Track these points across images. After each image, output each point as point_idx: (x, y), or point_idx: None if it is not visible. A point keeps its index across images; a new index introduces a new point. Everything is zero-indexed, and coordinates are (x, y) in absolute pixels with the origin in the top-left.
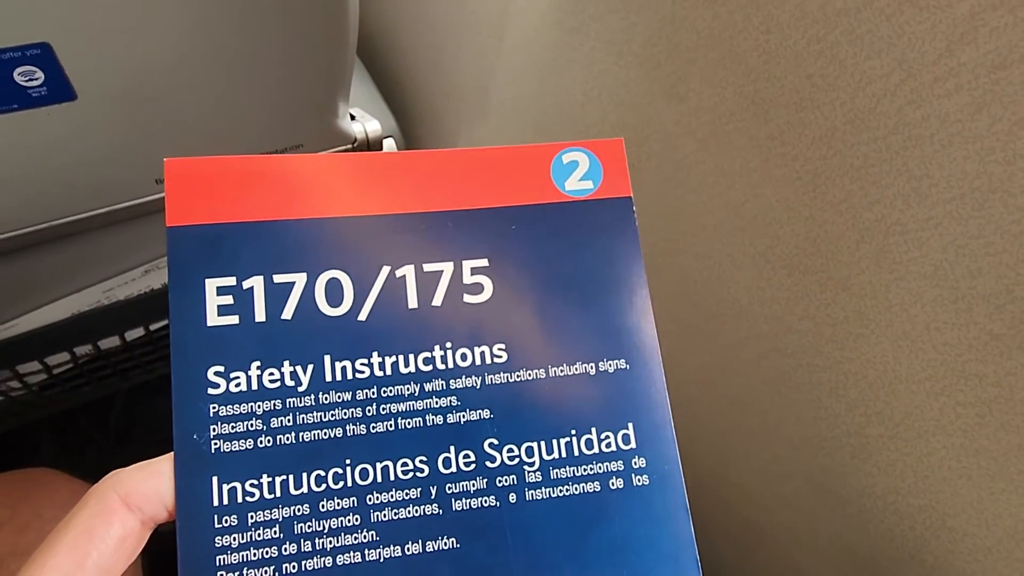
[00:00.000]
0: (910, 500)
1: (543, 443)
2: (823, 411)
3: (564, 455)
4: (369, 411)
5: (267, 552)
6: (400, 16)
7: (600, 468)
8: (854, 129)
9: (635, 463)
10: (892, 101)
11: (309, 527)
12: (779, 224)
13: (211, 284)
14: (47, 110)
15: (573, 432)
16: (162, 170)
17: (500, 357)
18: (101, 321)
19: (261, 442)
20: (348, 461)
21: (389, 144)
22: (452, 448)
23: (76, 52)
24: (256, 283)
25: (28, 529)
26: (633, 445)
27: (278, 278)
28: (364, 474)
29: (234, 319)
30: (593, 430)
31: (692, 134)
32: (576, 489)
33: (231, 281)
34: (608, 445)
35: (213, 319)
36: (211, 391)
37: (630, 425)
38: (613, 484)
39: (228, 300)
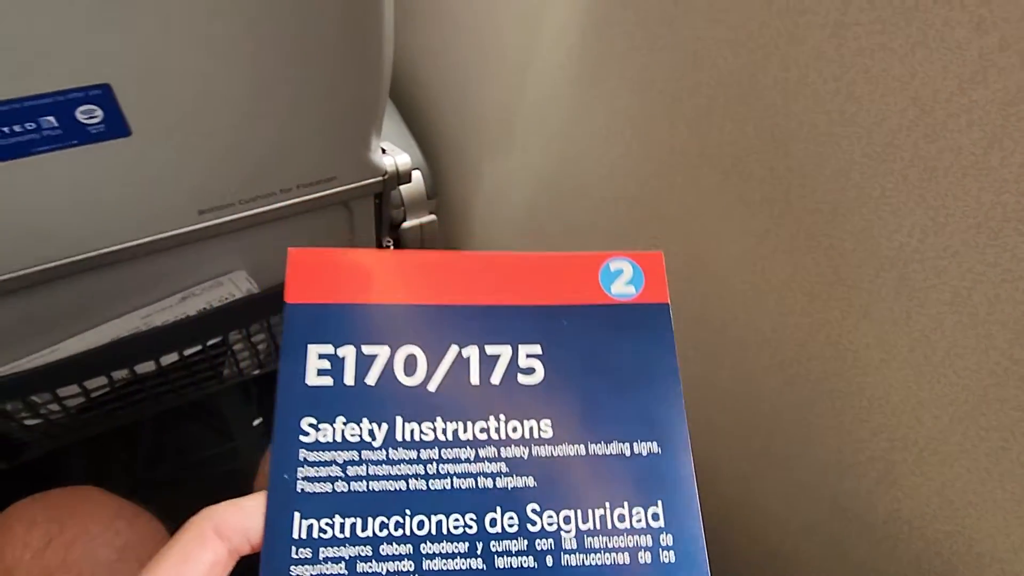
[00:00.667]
0: (937, 525)
1: (580, 512)
2: (848, 437)
3: (598, 526)
4: (430, 469)
5: None
6: (425, 51)
7: (631, 541)
8: (872, 162)
9: (663, 539)
10: (908, 136)
11: (369, 567)
12: (800, 253)
13: (313, 349)
14: (102, 145)
15: (607, 504)
16: (205, 200)
17: (546, 432)
18: (139, 347)
19: (338, 487)
20: (408, 512)
21: (416, 176)
22: (499, 509)
23: (134, 92)
24: (348, 352)
25: (76, 544)
26: (662, 524)
27: (366, 349)
28: (420, 525)
29: (328, 380)
30: (626, 504)
31: (715, 166)
32: (608, 559)
33: (329, 349)
34: (639, 520)
35: (312, 378)
36: (303, 438)
37: (659, 503)
38: (641, 558)
39: (325, 364)
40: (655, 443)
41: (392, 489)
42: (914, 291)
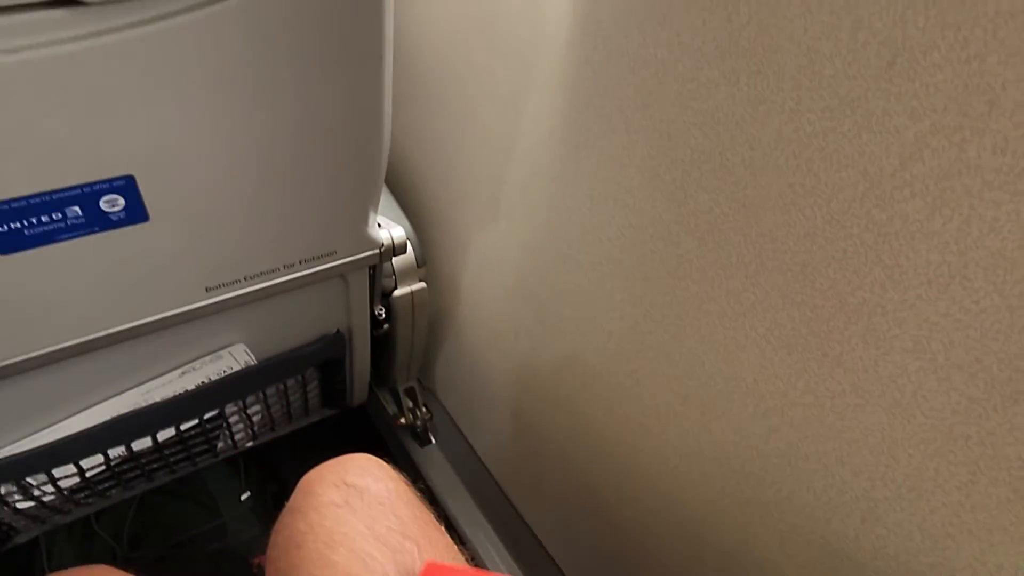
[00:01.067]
0: (920, 558)
1: None
2: (832, 478)
3: None
4: None
5: None
6: (411, 129)
7: None
8: (832, 228)
9: None
10: (862, 205)
11: None
12: (776, 309)
13: None
14: (121, 231)
15: None
16: (213, 278)
17: None
18: (138, 423)
19: None
20: None
21: (409, 246)
22: None
23: (155, 181)
24: None
25: None
26: None
27: None
28: None
29: None
30: None
31: (691, 232)
32: None
33: None
34: None
35: None
36: None
37: None
38: None
39: None
40: None
41: None
42: (880, 340)
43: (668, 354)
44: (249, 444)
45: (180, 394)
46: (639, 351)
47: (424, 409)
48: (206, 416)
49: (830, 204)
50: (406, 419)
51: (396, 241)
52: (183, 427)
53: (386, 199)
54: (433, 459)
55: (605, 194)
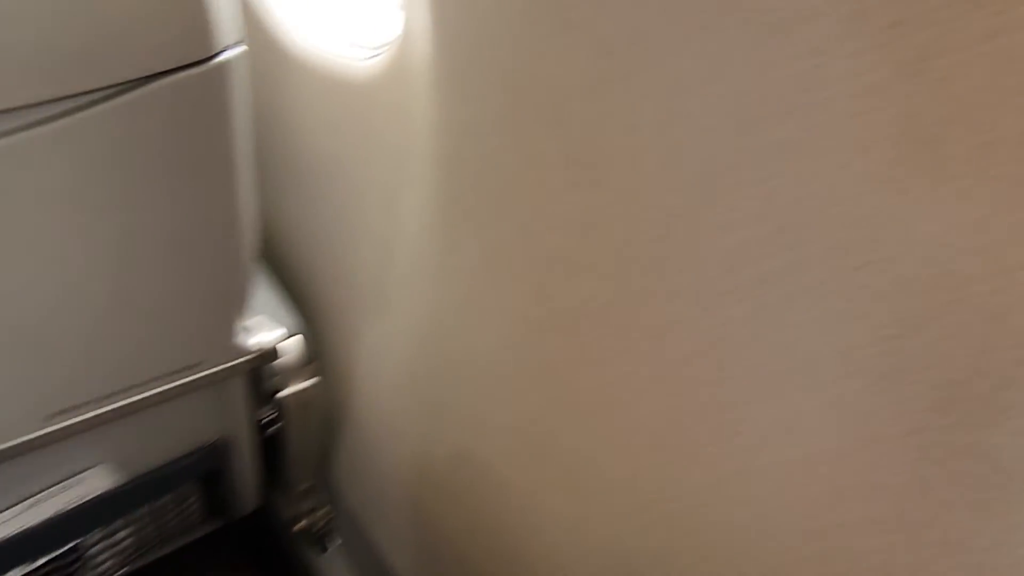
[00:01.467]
0: None
1: None
2: (708, 568)
3: None
4: None
5: None
6: (297, 218)
7: None
8: (681, 326)
9: None
10: (705, 308)
11: None
12: (641, 406)
13: None
14: None
15: None
16: (54, 404)
17: None
18: None
19: None
20: None
21: (294, 342)
22: None
23: None
24: None
25: None
26: None
27: None
28: None
29: None
30: None
31: (560, 328)
32: None
33: None
34: None
35: None
36: None
37: None
38: None
39: None
40: None
41: None
42: (725, 440)
43: (551, 450)
44: (120, 572)
45: (27, 528)
46: (524, 446)
47: (324, 511)
48: (61, 550)
49: (683, 306)
50: (304, 523)
51: (271, 346)
52: (37, 563)
53: (273, 294)
54: (334, 566)
55: (479, 291)
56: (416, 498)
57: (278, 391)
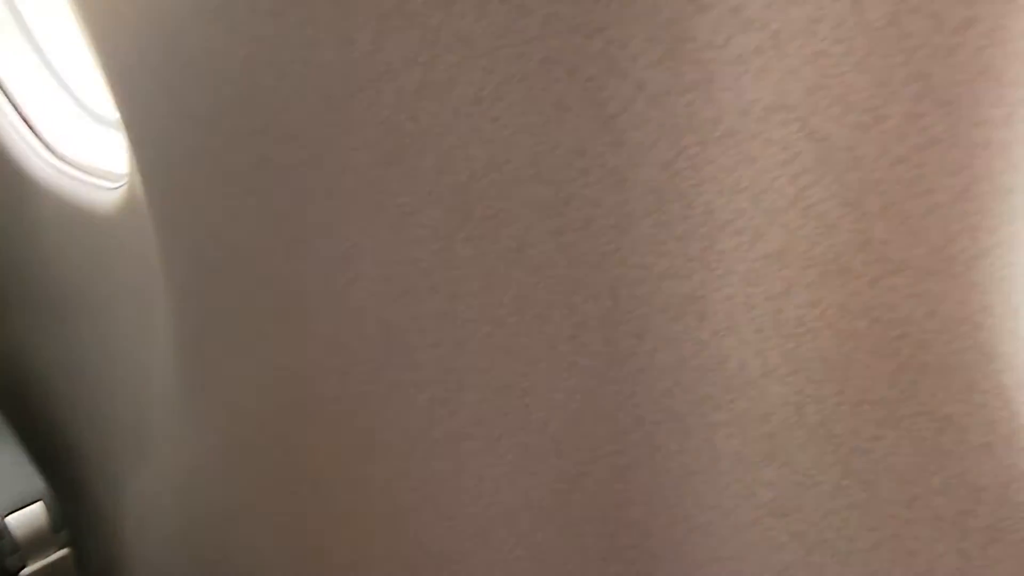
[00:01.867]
0: None
1: None
2: None
3: None
4: None
5: None
6: (56, 364)
7: None
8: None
9: None
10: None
11: None
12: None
13: None
14: None
15: None
16: None
17: None
18: None
19: None
20: None
21: (36, 511)
22: None
23: None
24: None
25: None
26: None
27: None
28: None
29: None
30: None
31: (304, 481)
32: None
33: None
34: None
35: None
36: None
37: None
38: None
39: None
40: None
41: None
42: None
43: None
44: None
45: None
46: None
47: None
48: None
49: (396, 460)
50: None
51: (2, 520)
52: None
53: (10, 451)
54: None
55: (229, 427)
56: None
57: (18, 571)
